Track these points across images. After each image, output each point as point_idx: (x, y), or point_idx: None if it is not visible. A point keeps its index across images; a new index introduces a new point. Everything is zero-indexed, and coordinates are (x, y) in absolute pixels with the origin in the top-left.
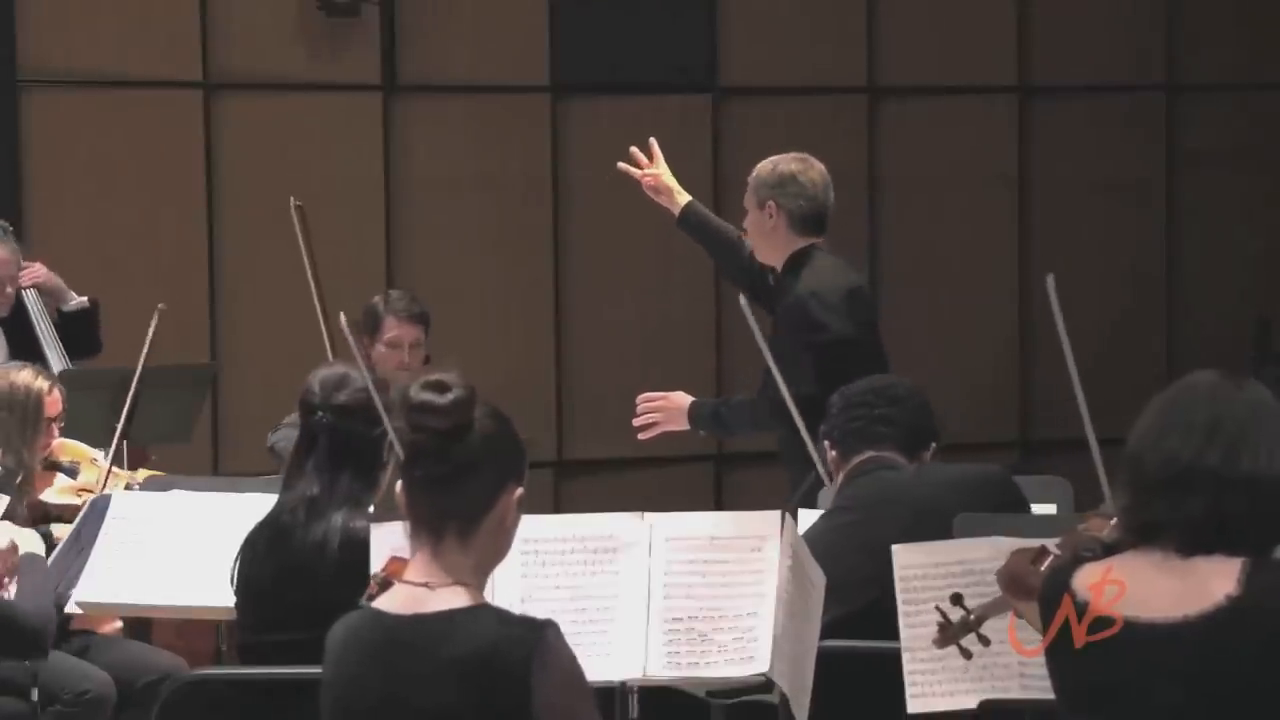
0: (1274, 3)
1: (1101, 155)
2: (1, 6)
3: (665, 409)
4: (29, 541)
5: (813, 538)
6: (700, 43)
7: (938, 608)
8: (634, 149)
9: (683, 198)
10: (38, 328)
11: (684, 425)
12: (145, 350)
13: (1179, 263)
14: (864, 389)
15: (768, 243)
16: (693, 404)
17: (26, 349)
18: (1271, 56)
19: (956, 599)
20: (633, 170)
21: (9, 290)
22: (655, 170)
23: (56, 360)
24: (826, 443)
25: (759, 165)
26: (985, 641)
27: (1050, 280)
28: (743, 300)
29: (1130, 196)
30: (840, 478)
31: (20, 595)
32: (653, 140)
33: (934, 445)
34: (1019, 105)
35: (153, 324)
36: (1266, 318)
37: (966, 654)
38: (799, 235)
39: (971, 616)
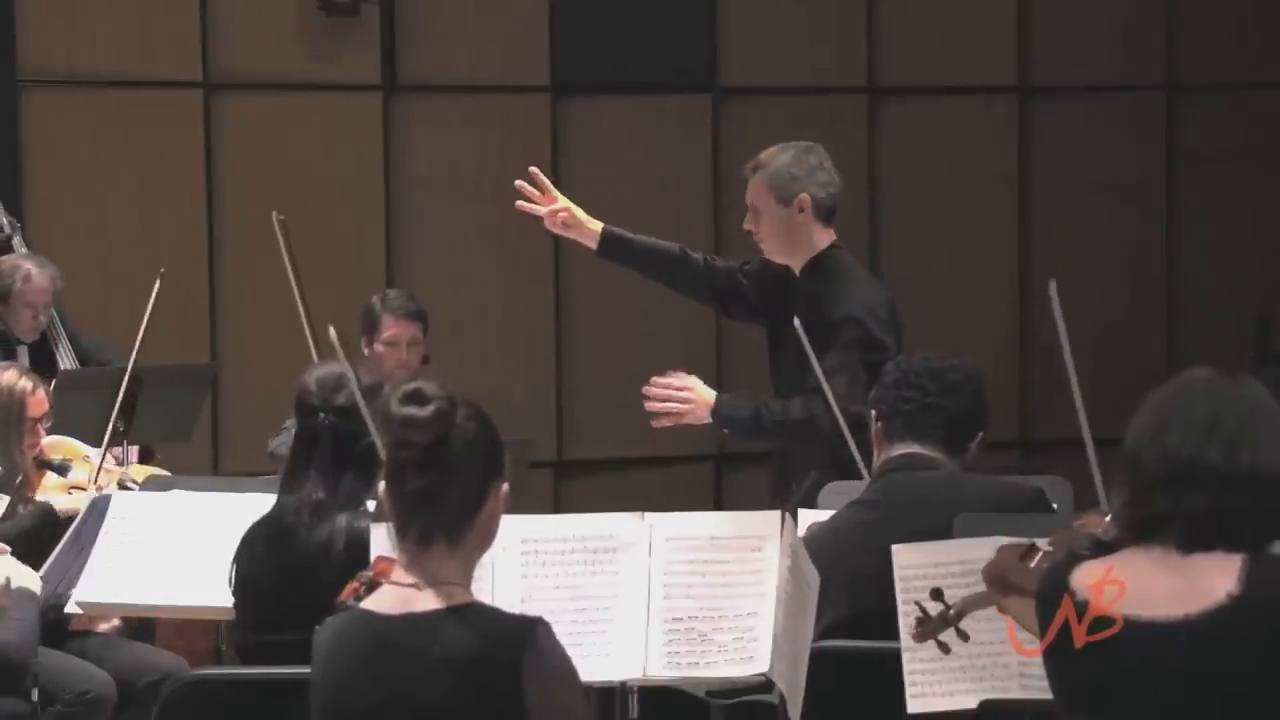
0: (1274, 3)
1: (1101, 155)
2: (1, 6)
3: (690, 401)
4: (25, 579)
5: (834, 528)
6: (700, 43)
7: (916, 602)
8: (519, 183)
9: (595, 225)
10: (51, 335)
11: (705, 420)
12: (147, 314)
13: (1179, 263)
14: (921, 369)
15: (794, 240)
16: (720, 400)
17: (44, 354)
18: (1271, 56)
19: (936, 594)
20: (534, 208)
21: (41, 318)
22: (562, 204)
23: (67, 363)
24: (873, 411)
25: (770, 159)
26: (964, 636)
27: (1053, 286)
28: (797, 323)
29: (1130, 196)
30: (877, 462)
31: (4, 630)
32: (534, 169)
33: (981, 435)
34: (1019, 105)
35: (155, 288)
36: (1266, 318)
37: (945, 649)
38: (824, 228)
39: (951, 611)
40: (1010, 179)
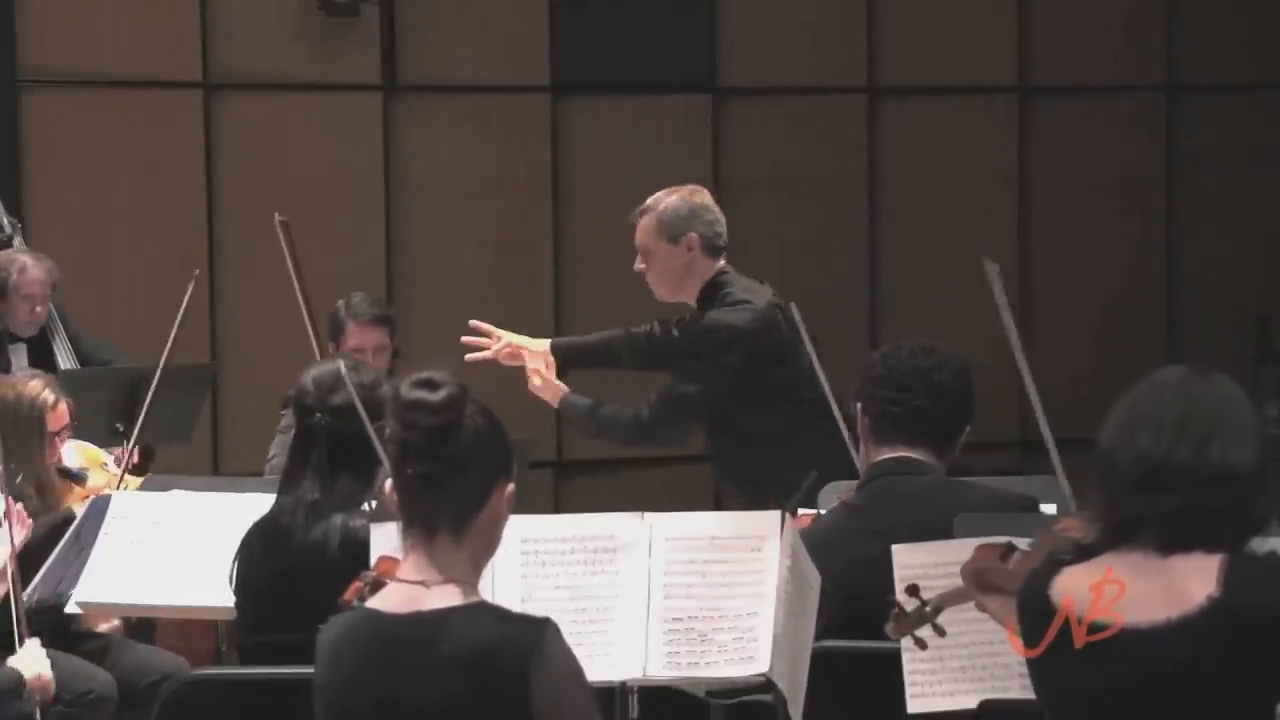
0: (1274, 3)
1: (1101, 155)
2: (1, 6)
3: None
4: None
5: (822, 531)
6: (700, 43)
7: (893, 598)
8: (465, 339)
9: (541, 344)
10: (49, 331)
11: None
12: (179, 318)
13: (1179, 263)
14: (908, 368)
15: (683, 276)
16: (566, 397)
17: (43, 350)
18: (1272, 56)
19: (912, 590)
20: (484, 355)
21: (38, 310)
22: (504, 342)
23: (65, 359)
24: (859, 405)
25: (658, 205)
26: (941, 632)
27: (993, 268)
28: (794, 308)
29: (1130, 196)
30: (864, 464)
31: None
32: (473, 322)
33: (968, 428)
34: (1019, 105)
35: (189, 290)
36: (1266, 318)
37: (921, 644)
38: (713, 261)
39: (928, 607)
40: (1010, 179)
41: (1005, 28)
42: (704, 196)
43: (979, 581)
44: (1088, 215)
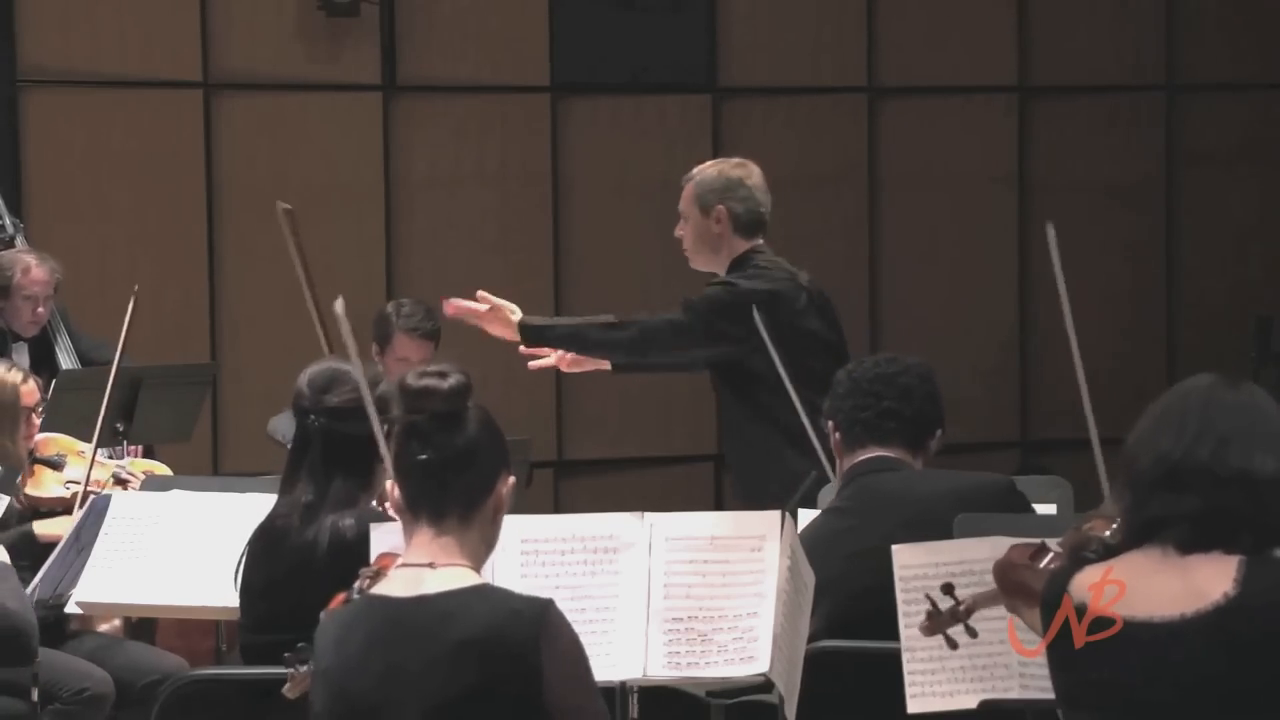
0: (1274, 3)
1: (1101, 155)
2: (1, 6)
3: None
4: None
5: (809, 536)
6: (700, 43)
7: (927, 596)
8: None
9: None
10: (51, 330)
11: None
12: (124, 331)
13: (1179, 263)
14: (873, 376)
15: (711, 249)
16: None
17: (44, 350)
18: (1272, 56)
19: (947, 589)
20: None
21: (40, 310)
22: (492, 311)
23: (67, 359)
24: (830, 423)
25: (700, 171)
26: (973, 633)
27: (1050, 230)
28: (756, 315)
29: (1130, 196)
30: (841, 472)
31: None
32: (481, 293)
33: (939, 432)
34: (1019, 105)
35: (130, 306)
36: (1266, 318)
37: (953, 644)
38: (744, 239)
39: (961, 607)
40: (1010, 179)
41: (1005, 28)
42: (747, 171)
43: (1009, 582)
44: (1088, 215)
